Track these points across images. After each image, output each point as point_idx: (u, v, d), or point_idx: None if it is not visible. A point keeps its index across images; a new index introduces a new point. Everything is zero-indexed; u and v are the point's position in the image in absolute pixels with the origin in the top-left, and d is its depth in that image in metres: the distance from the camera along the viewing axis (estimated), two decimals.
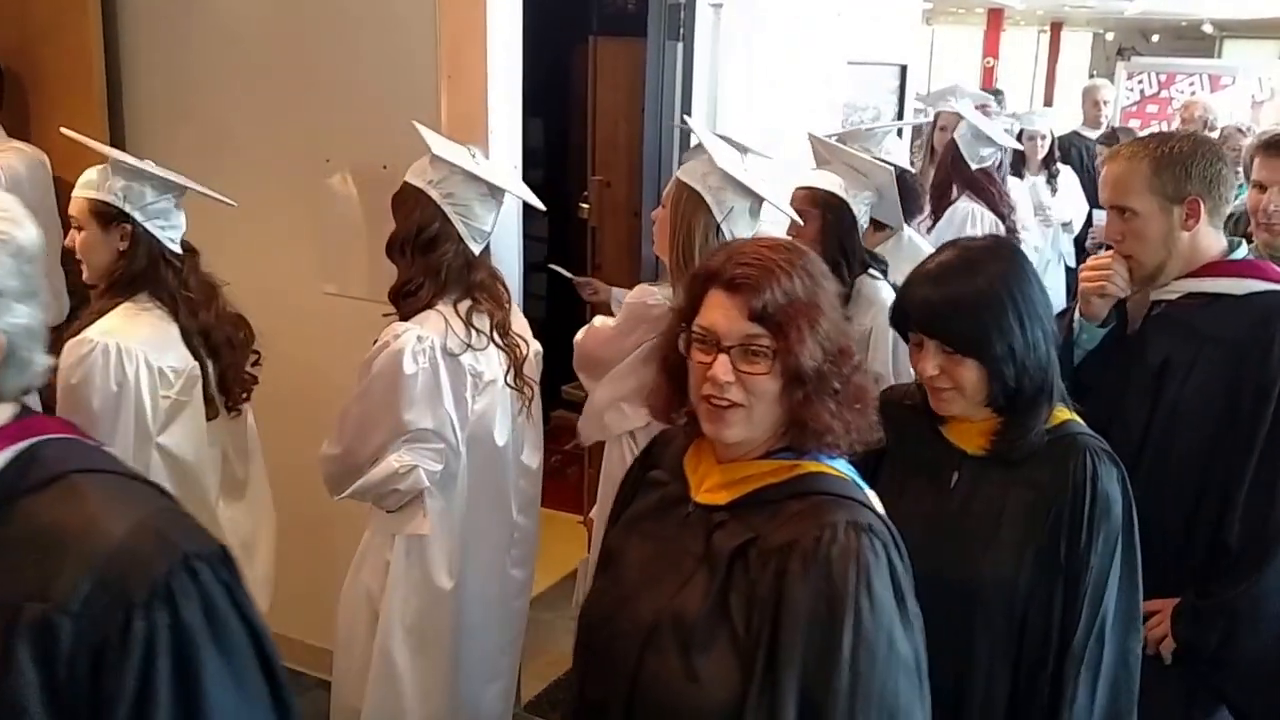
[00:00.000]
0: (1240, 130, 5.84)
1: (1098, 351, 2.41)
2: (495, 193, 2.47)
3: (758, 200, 2.59)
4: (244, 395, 2.53)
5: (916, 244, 3.37)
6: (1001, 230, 4.34)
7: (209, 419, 2.44)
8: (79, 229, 2.39)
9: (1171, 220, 2.14)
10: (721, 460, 1.51)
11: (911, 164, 4.14)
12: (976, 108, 5.21)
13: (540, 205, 2.65)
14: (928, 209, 4.49)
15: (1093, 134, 6.51)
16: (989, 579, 1.78)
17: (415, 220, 2.41)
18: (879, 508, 1.48)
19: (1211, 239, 2.18)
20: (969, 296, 1.74)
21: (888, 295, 2.86)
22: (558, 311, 4.90)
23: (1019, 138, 5.19)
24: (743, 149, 2.77)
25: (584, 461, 4.08)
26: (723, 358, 1.41)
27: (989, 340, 1.73)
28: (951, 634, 1.78)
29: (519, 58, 3.03)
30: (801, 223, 2.83)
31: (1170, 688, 2.18)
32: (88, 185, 2.38)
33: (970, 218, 4.25)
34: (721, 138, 2.74)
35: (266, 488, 2.72)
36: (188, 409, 2.39)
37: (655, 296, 2.59)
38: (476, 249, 2.46)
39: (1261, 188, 2.70)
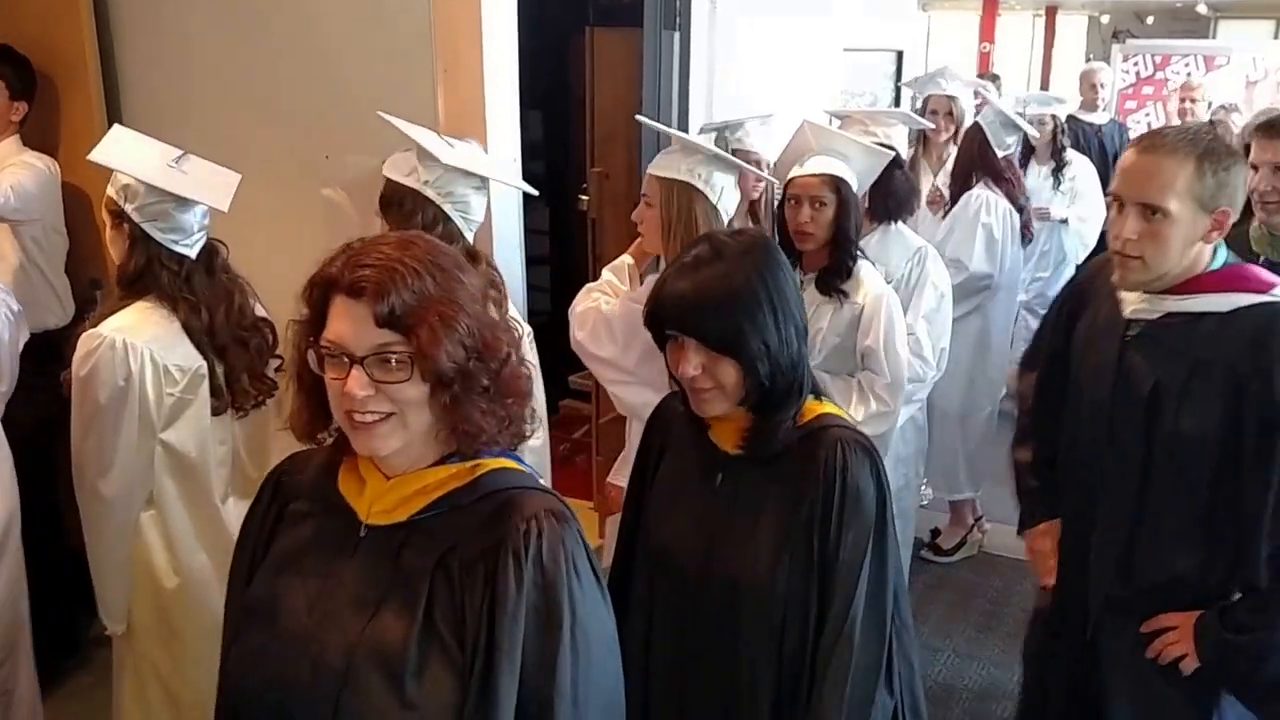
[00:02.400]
0: (1226, 108, 5.83)
1: (1056, 374, 2.34)
2: (485, 181, 2.52)
3: (737, 171, 2.62)
4: (257, 397, 2.53)
5: (904, 236, 3.36)
6: (1017, 220, 4.34)
7: (215, 414, 2.45)
8: (106, 222, 2.42)
9: (1197, 230, 1.95)
10: (391, 475, 1.40)
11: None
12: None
13: (532, 190, 2.71)
14: (926, 203, 4.48)
15: (1089, 117, 6.50)
16: (749, 579, 1.73)
17: (417, 223, 2.42)
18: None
19: (1208, 252, 2.02)
20: (723, 292, 1.67)
21: (875, 275, 2.90)
22: (559, 305, 4.91)
23: None
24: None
25: (592, 449, 4.09)
26: (356, 371, 1.29)
27: (745, 337, 1.66)
28: (719, 635, 1.77)
29: (515, 50, 3.03)
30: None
31: (1175, 681, 2.13)
32: (110, 181, 2.40)
33: (985, 205, 4.23)
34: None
35: None
36: (192, 406, 2.41)
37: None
38: (472, 239, 2.51)
39: (1255, 170, 2.65)
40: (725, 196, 2.56)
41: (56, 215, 3.46)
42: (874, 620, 1.71)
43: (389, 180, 2.48)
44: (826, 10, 4.59)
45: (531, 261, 3.57)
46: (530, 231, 3.43)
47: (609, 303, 2.65)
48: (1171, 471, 2.05)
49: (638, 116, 2.72)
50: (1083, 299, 2.29)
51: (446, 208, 2.43)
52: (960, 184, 4.33)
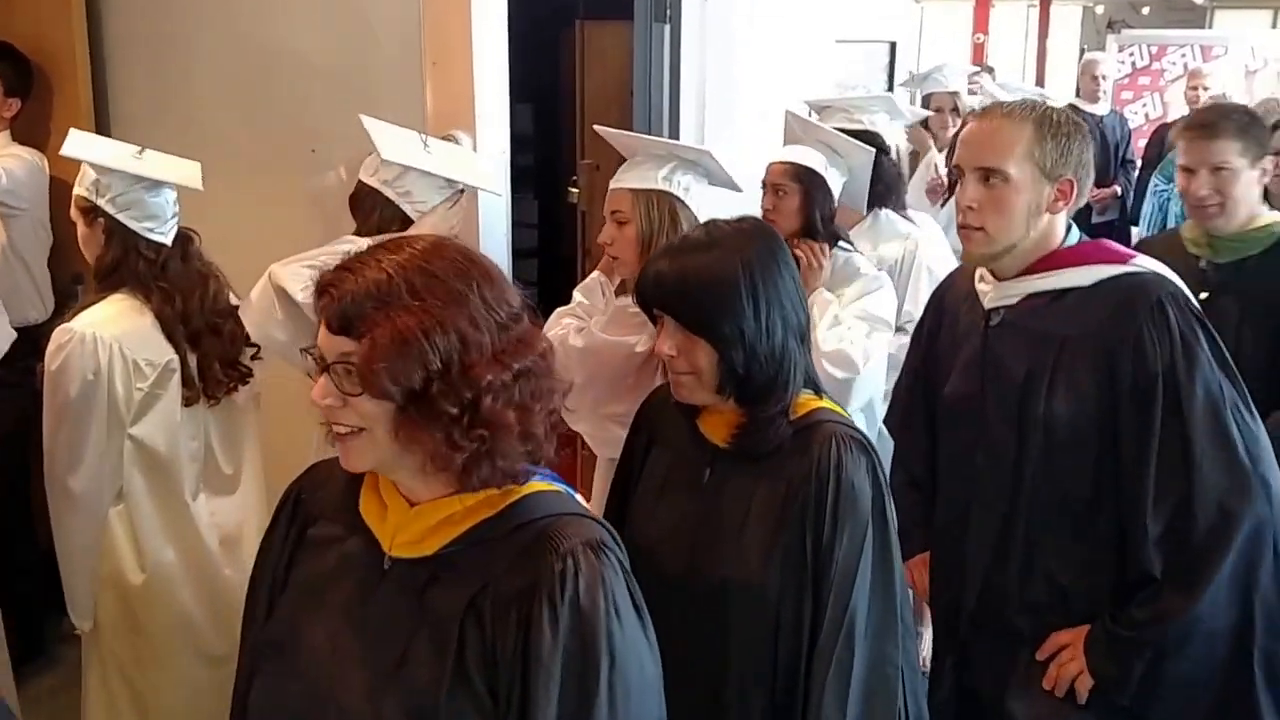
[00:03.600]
0: (1215, 99, 5.78)
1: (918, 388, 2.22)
2: (452, 182, 2.49)
3: (707, 170, 2.47)
4: (230, 385, 2.53)
5: (894, 223, 3.33)
6: None
7: (188, 404, 2.45)
8: (77, 225, 2.43)
9: (1040, 198, 1.87)
10: (414, 500, 1.29)
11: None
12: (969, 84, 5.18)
13: (496, 192, 2.65)
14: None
15: (1090, 108, 6.46)
16: (738, 580, 1.66)
17: (375, 222, 2.42)
18: (598, 515, 1.34)
19: (1060, 227, 1.93)
20: (701, 272, 1.64)
21: (865, 266, 2.85)
22: (548, 299, 4.89)
23: None
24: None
25: (576, 444, 4.07)
26: (323, 378, 1.22)
27: (718, 321, 1.63)
28: (706, 639, 1.69)
29: (505, 43, 3.02)
30: (741, 190, 2.79)
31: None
32: (77, 182, 2.42)
33: None
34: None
35: (259, 482, 2.72)
36: (162, 401, 2.41)
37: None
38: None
39: (1190, 172, 2.55)
40: (694, 198, 2.44)
41: (42, 209, 3.45)
42: (884, 622, 1.65)
43: (359, 180, 2.49)
44: (819, 1, 4.56)
45: (520, 254, 3.56)
46: (519, 224, 3.42)
47: (580, 329, 2.51)
48: (1048, 465, 1.91)
49: (596, 127, 2.63)
50: (939, 313, 2.19)
51: (406, 208, 2.42)
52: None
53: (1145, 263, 1.94)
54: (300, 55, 3.12)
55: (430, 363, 1.18)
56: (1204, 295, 2.38)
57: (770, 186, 2.82)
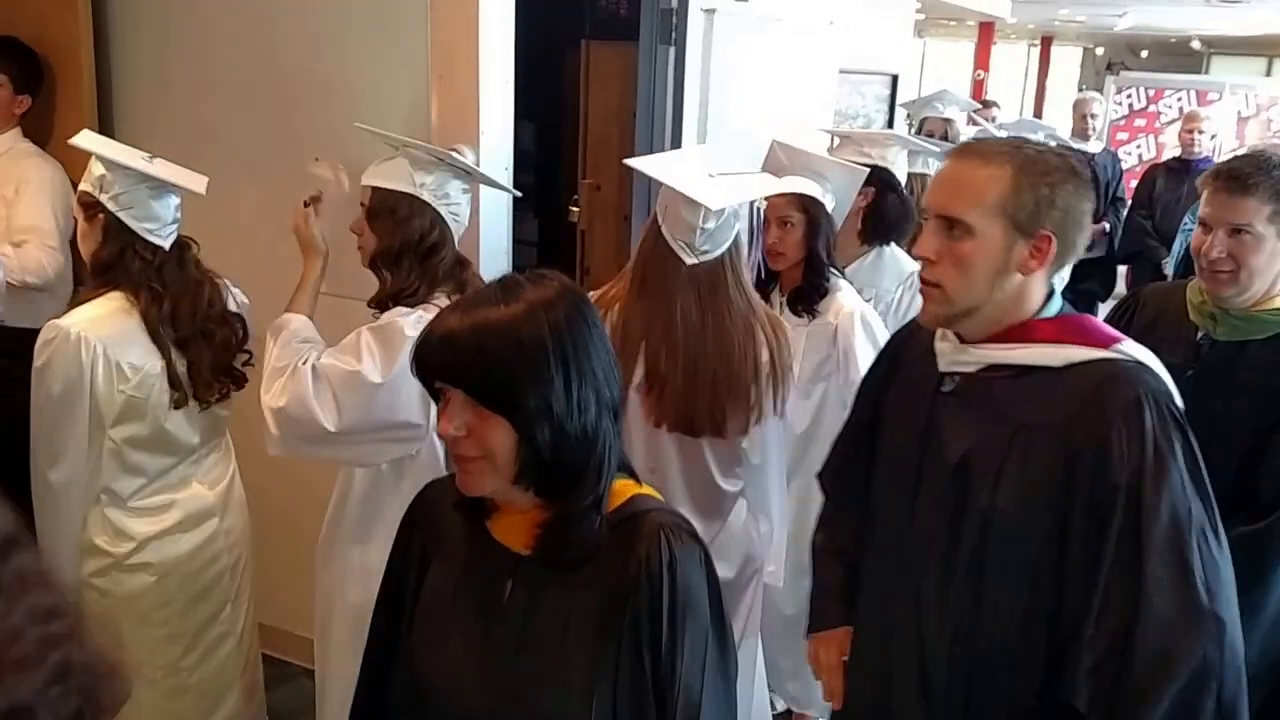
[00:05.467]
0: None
1: (861, 443, 1.98)
2: (471, 184, 2.52)
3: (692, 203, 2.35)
4: (222, 390, 2.53)
5: (898, 261, 3.34)
6: None
7: (177, 406, 2.45)
8: (77, 220, 2.45)
9: (1010, 257, 1.61)
10: None
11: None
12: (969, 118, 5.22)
13: (515, 192, 2.71)
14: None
15: (1082, 146, 6.53)
16: (562, 716, 1.38)
17: (415, 229, 2.37)
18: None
19: (1038, 289, 1.67)
20: (502, 336, 1.32)
21: (850, 295, 2.90)
22: None
23: None
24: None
25: None
26: None
27: (521, 391, 1.32)
28: None
29: (510, 60, 3.03)
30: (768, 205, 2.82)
31: None
32: (83, 178, 2.43)
33: None
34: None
35: (238, 485, 2.73)
36: (144, 404, 2.41)
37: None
38: (457, 244, 2.49)
39: (1206, 227, 2.24)
40: (670, 219, 2.35)
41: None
42: None
43: (377, 190, 2.42)
44: (823, 31, 4.60)
45: (518, 271, 3.55)
46: (518, 242, 3.42)
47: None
48: (982, 561, 1.67)
49: (627, 160, 2.61)
50: (894, 364, 1.94)
51: (442, 210, 2.41)
52: None
53: (1129, 349, 1.67)
54: (306, 63, 3.13)
55: None
56: (1190, 372, 2.16)
57: (775, 220, 2.84)
